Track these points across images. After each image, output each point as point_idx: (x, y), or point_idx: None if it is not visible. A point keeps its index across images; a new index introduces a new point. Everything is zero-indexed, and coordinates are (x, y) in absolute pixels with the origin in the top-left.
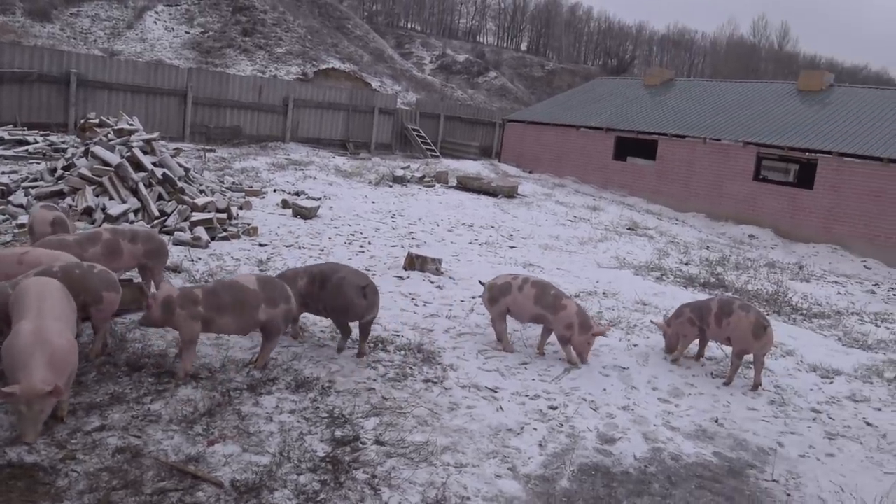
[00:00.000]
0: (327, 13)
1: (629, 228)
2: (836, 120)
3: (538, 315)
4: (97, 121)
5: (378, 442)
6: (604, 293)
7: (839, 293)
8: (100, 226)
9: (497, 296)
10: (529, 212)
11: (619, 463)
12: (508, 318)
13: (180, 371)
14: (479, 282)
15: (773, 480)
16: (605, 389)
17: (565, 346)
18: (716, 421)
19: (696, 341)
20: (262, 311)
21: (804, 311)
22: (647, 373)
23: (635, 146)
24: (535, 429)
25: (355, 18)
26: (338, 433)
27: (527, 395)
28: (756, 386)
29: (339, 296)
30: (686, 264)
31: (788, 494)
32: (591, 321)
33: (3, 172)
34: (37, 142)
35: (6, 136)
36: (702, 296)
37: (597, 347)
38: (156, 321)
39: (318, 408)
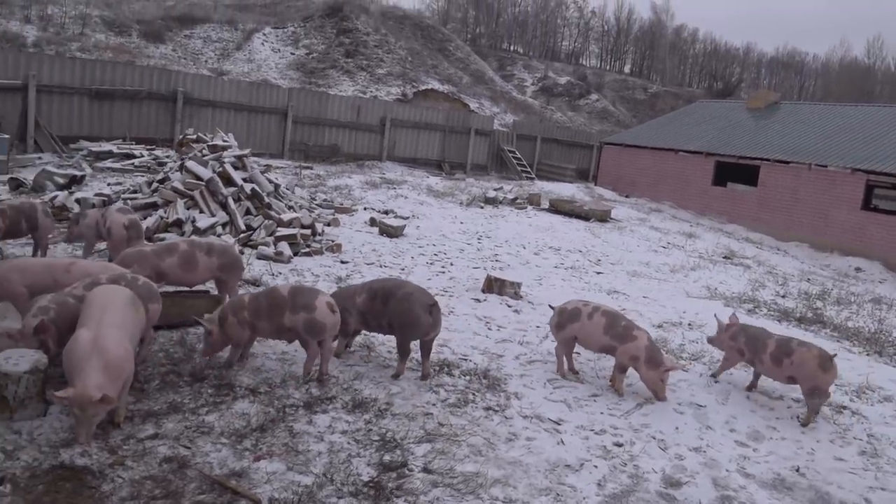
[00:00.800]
0: (429, 36)
1: (725, 257)
2: None
3: (607, 346)
4: (194, 137)
5: (426, 470)
6: (689, 324)
7: None
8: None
9: (565, 322)
10: (621, 237)
11: None
12: (583, 348)
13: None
14: (549, 306)
15: None
16: (677, 428)
17: (619, 373)
18: (797, 470)
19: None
20: (286, 318)
21: None
22: (726, 412)
23: (736, 171)
24: (596, 466)
25: (457, 41)
26: (386, 458)
27: (592, 430)
28: (806, 423)
29: (405, 312)
30: (783, 297)
31: None
32: (661, 356)
33: (109, 184)
34: (142, 156)
35: (115, 149)
36: (796, 331)
37: (674, 382)
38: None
39: (370, 430)
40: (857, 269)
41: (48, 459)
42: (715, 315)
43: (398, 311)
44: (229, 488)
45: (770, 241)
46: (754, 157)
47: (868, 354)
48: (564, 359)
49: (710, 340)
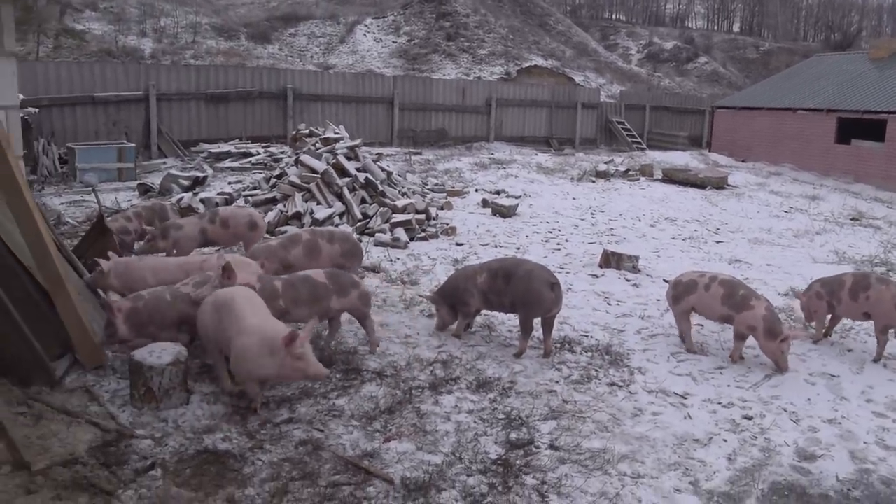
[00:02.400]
0: (529, 11)
1: (853, 219)
2: None
3: (726, 315)
4: (307, 131)
5: (552, 447)
6: None
7: None
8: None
9: (681, 294)
10: (739, 203)
11: (818, 484)
12: (706, 319)
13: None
14: (664, 279)
15: None
16: (809, 399)
17: (737, 341)
18: None
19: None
20: (334, 301)
21: None
22: (862, 382)
23: (861, 127)
24: (725, 440)
25: (557, 14)
26: (513, 436)
27: (719, 403)
28: (878, 358)
29: (527, 289)
30: None
31: None
32: (780, 325)
33: (230, 183)
34: (259, 153)
35: (233, 149)
36: None
37: (804, 352)
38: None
39: (496, 409)
40: None
41: (193, 445)
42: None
43: (520, 289)
44: (362, 469)
45: None
46: (880, 110)
47: None
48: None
49: (803, 309)
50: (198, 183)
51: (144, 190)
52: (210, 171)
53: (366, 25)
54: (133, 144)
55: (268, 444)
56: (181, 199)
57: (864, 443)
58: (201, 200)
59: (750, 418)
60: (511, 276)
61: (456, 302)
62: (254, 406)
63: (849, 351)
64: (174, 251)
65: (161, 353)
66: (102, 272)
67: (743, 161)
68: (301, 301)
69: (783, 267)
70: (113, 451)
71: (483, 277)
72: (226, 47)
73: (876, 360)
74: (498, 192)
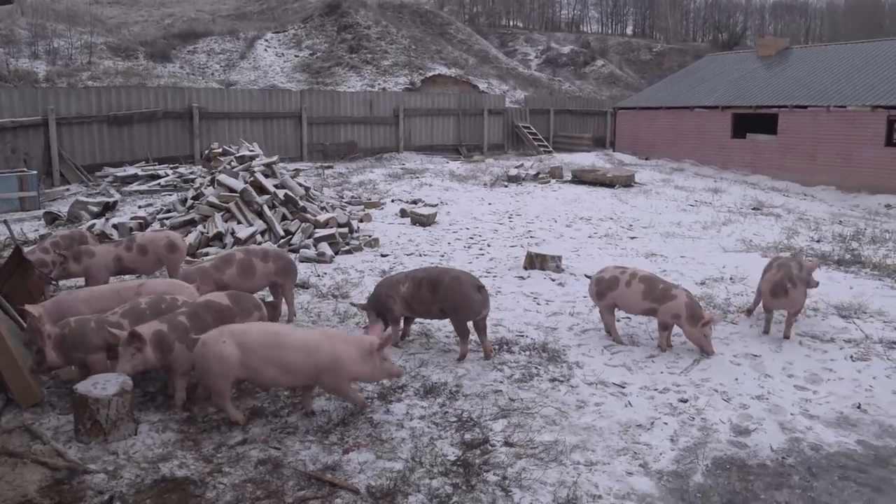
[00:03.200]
0: (429, 21)
1: (754, 208)
2: None
3: (649, 309)
4: (220, 150)
5: (507, 443)
6: (731, 279)
7: None
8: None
9: (604, 290)
10: (648, 200)
11: (755, 455)
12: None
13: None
14: (585, 275)
15: None
16: (737, 379)
17: (662, 331)
18: (858, 407)
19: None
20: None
21: None
22: (782, 359)
23: (754, 122)
24: (666, 423)
25: (456, 23)
26: (467, 436)
27: (655, 389)
28: (785, 337)
29: (457, 295)
30: (818, 241)
31: None
32: (700, 311)
33: (140, 206)
34: (167, 175)
35: (140, 172)
36: (836, 275)
37: (727, 335)
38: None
39: (447, 412)
40: (888, 206)
41: (149, 475)
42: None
43: (450, 295)
44: (327, 481)
45: (796, 187)
46: (771, 105)
47: None
48: (614, 324)
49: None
50: (108, 208)
51: (52, 219)
52: (118, 196)
53: (266, 40)
54: (34, 172)
55: (226, 466)
56: (93, 225)
57: (791, 414)
58: (114, 226)
59: (685, 401)
60: (437, 284)
61: (381, 310)
62: (361, 405)
63: (765, 333)
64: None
65: (105, 385)
66: (34, 317)
67: (646, 159)
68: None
69: (696, 258)
70: (66, 488)
71: (406, 286)
72: (124, 67)
73: (764, 332)
74: (415, 202)
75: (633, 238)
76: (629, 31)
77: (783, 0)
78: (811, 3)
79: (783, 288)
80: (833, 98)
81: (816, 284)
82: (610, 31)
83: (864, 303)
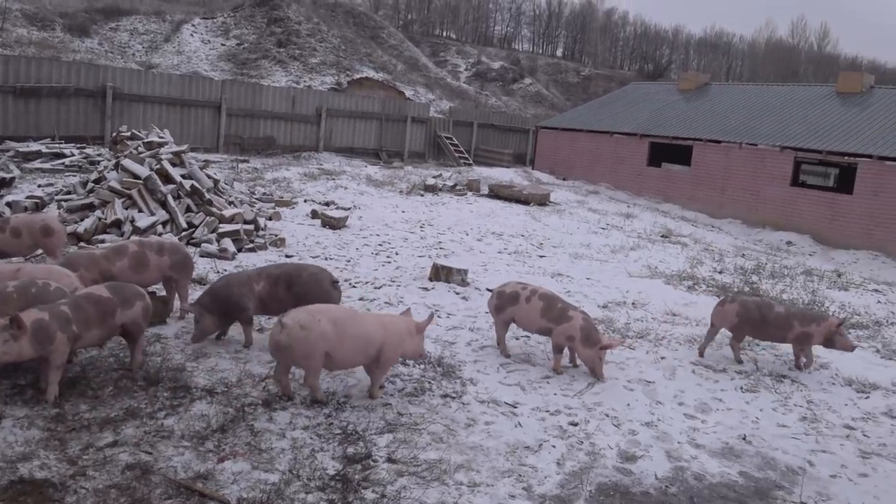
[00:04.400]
0: (362, 23)
1: (663, 236)
2: (877, 122)
3: (545, 328)
4: (129, 134)
5: (390, 459)
6: (633, 304)
7: (879, 302)
8: (128, 238)
9: (504, 304)
10: (561, 220)
11: (640, 482)
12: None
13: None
14: (487, 288)
15: (802, 503)
16: (628, 404)
17: (557, 353)
18: (743, 438)
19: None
20: (118, 315)
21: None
22: (674, 387)
23: (670, 152)
24: (554, 446)
25: (389, 28)
26: (350, 450)
27: (547, 411)
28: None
29: (315, 290)
30: (720, 272)
31: None
32: (597, 335)
33: (40, 185)
34: (73, 155)
35: (44, 149)
36: None
37: (623, 360)
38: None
39: (332, 423)
40: (789, 243)
41: (6, 475)
42: None
43: (308, 291)
44: (196, 491)
45: (704, 218)
46: (687, 137)
47: None
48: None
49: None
50: (4, 185)
51: None
52: (17, 172)
53: (193, 25)
54: None
55: (91, 469)
56: None
57: (678, 442)
58: (7, 204)
59: (576, 424)
60: (294, 280)
61: (232, 309)
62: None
63: (662, 359)
64: None
65: None
66: None
67: (564, 179)
68: (91, 321)
69: (602, 281)
70: None
71: (262, 285)
72: (38, 38)
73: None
74: (328, 204)
75: (541, 257)
76: (559, 52)
77: (708, 37)
78: (734, 44)
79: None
80: (745, 135)
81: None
82: (541, 52)
83: None
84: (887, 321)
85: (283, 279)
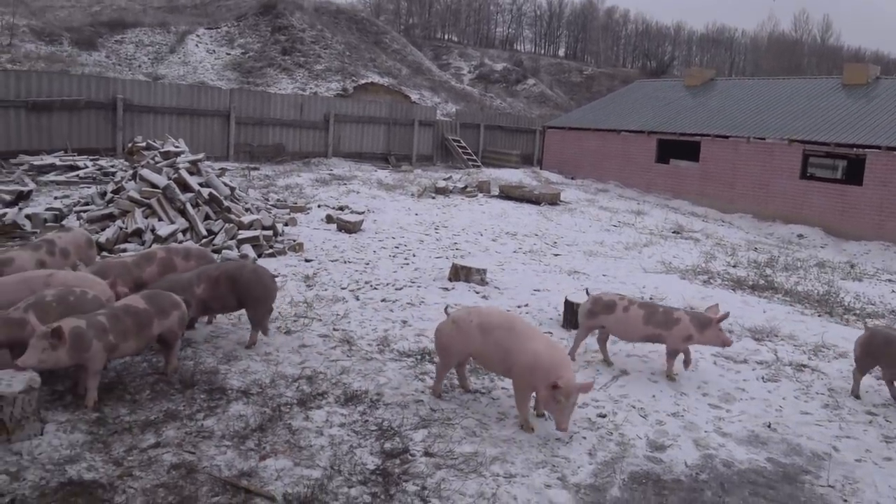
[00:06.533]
0: (365, 29)
1: (674, 232)
2: (884, 113)
3: (652, 335)
4: (144, 144)
5: (427, 454)
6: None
7: (893, 291)
8: (149, 247)
9: (598, 311)
10: (573, 218)
11: (671, 470)
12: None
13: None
14: (586, 291)
15: (829, 486)
16: (653, 396)
17: (671, 358)
18: (768, 426)
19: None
20: (155, 326)
21: (857, 312)
22: (697, 378)
23: (678, 148)
24: (584, 437)
25: (392, 33)
26: (387, 445)
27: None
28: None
29: (258, 285)
30: (734, 266)
31: (845, 500)
32: (706, 315)
33: (56, 198)
34: (87, 166)
35: (58, 162)
36: (751, 299)
37: (646, 353)
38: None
39: (367, 421)
40: (800, 236)
41: (55, 477)
42: None
43: (251, 287)
44: (242, 488)
45: (714, 213)
46: (695, 133)
47: (819, 315)
48: (582, 344)
49: None
50: (21, 198)
51: None
52: (32, 185)
53: (198, 36)
54: None
55: (137, 470)
56: (4, 214)
57: (705, 431)
58: (27, 216)
59: (604, 416)
60: (237, 277)
61: None
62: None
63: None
64: None
65: (10, 381)
66: None
67: (572, 178)
68: (128, 332)
69: (618, 277)
70: None
71: (202, 287)
72: (47, 52)
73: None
74: (341, 208)
75: (556, 255)
76: (561, 52)
77: (710, 33)
78: (736, 39)
79: None
80: (753, 130)
81: None
82: (543, 52)
83: (776, 326)
84: None
85: (224, 279)
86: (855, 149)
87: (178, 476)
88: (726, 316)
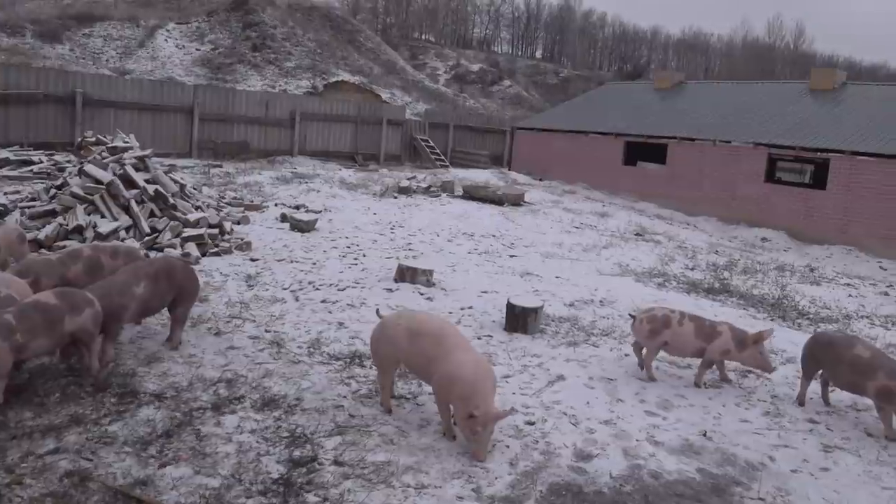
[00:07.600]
0: (338, 27)
1: (637, 234)
2: (849, 118)
3: (699, 349)
4: (93, 139)
5: (336, 462)
6: (600, 301)
7: (850, 296)
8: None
9: (660, 328)
10: (535, 219)
11: (594, 482)
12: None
13: None
14: (630, 314)
15: (760, 499)
16: (588, 403)
17: (704, 368)
18: (704, 434)
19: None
20: (67, 322)
21: (811, 316)
22: (636, 384)
23: (645, 151)
24: (508, 446)
25: (366, 31)
26: (296, 454)
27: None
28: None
29: (192, 279)
30: (691, 269)
31: None
32: (745, 333)
33: (6, 193)
34: (41, 161)
35: (11, 156)
36: (704, 302)
37: (586, 358)
38: None
39: (280, 427)
40: (764, 240)
41: None
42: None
43: (187, 282)
44: (133, 498)
45: (680, 216)
46: (662, 135)
47: (772, 319)
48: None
49: None
50: None
51: None
52: None
53: (168, 30)
54: None
55: (28, 478)
56: None
57: (637, 440)
58: None
59: (532, 423)
60: (173, 273)
61: (107, 320)
62: None
63: (625, 356)
64: None
65: None
66: None
67: (541, 180)
68: (38, 330)
69: (571, 279)
70: None
71: (143, 286)
72: (8, 44)
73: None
74: (298, 207)
75: (512, 256)
76: (538, 54)
77: (686, 38)
78: (712, 44)
79: None
80: (720, 133)
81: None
82: (519, 53)
83: None
84: (857, 314)
85: (162, 274)
86: (819, 153)
87: (69, 484)
88: (766, 335)
